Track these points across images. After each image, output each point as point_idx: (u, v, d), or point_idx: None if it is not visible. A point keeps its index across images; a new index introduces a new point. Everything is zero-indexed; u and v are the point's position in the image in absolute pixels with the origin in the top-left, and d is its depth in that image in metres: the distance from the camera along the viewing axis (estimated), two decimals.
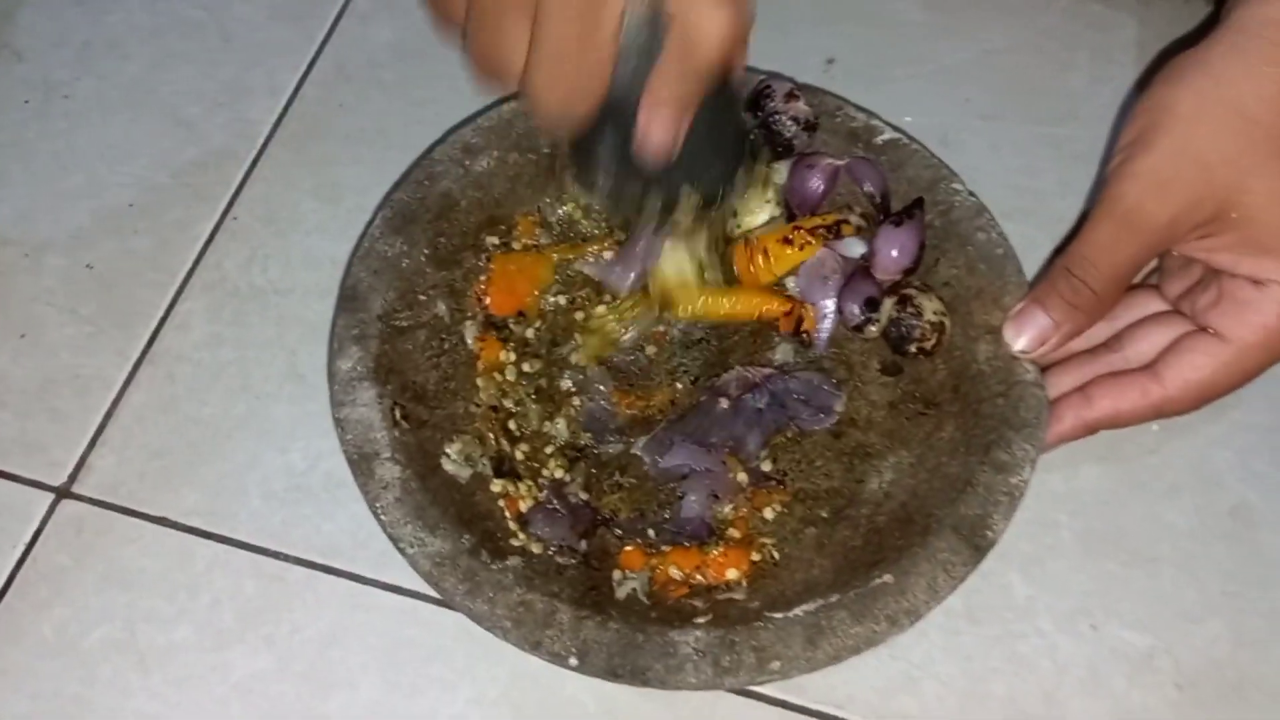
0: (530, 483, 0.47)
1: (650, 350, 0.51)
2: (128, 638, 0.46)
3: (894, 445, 0.47)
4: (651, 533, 0.46)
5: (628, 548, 0.46)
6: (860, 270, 0.49)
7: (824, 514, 0.46)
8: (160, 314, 0.54)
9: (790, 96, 0.51)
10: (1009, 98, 0.58)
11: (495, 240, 0.51)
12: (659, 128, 0.39)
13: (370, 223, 0.50)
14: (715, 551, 0.45)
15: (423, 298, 0.49)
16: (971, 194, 0.49)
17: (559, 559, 0.45)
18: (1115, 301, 0.45)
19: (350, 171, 0.57)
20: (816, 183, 0.49)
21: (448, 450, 0.46)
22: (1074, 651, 0.45)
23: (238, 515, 0.49)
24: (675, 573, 0.45)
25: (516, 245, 0.52)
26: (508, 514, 0.46)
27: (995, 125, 0.57)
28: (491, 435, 0.48)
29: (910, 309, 0.47)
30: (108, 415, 0.51)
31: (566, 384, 0.50)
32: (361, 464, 0.44)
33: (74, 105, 0.60)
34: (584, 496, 0.47)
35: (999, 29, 0.60)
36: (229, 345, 0.53)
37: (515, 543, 0.45)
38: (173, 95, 0.60)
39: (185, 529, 0.48)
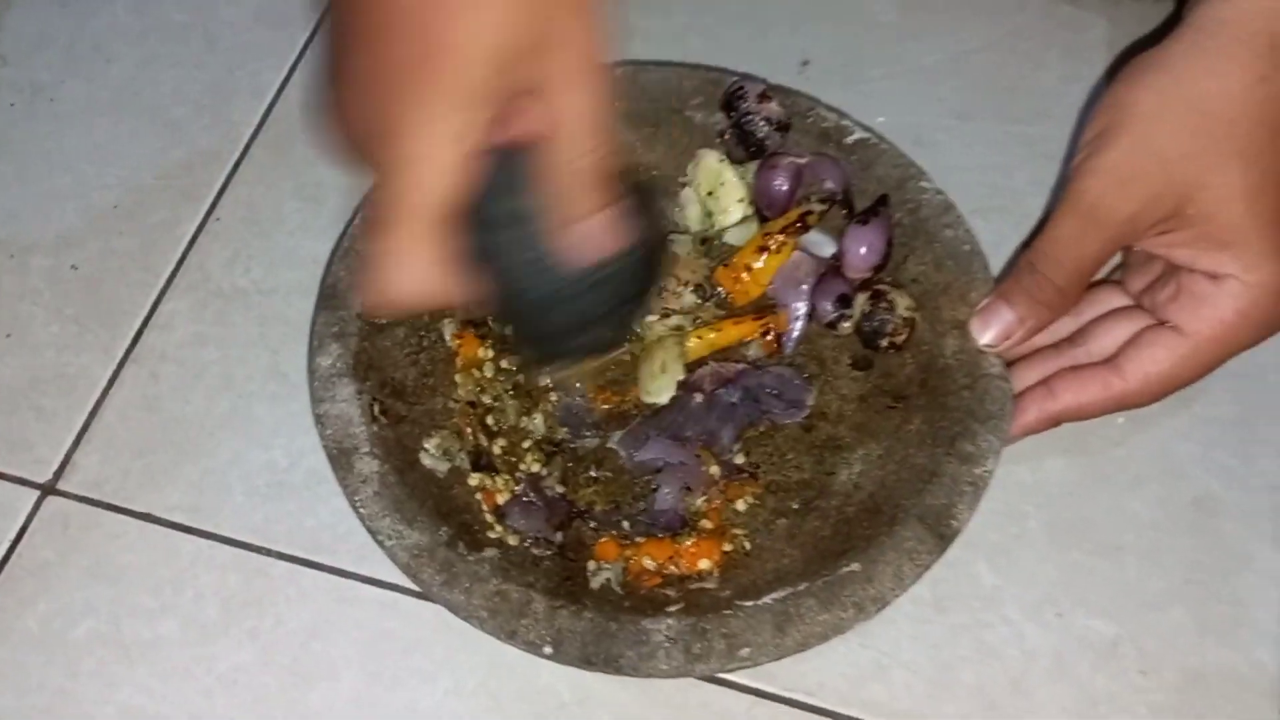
0: (507, 476, 0.47)
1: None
2: (113, 632, 0.47)
3: (863, 438, 0.48)
4: (626, 524, 0.47)
5: (602, 539, 0.46)
6: (831, 269, 0.50)
7: (795, 505, 0.47)
8: (144, 313, 0.54)
9: (763, 97, 0.52)
10: (982, 97, 0.59)
11: None
12: (593, 232, 0.36)
13: (350, 222, 0.51)
14: (688, 542, 0.46)
15: None
16: (940, 192, 0.50)
17: (535, 550, 0.45)
18: (1078, 296, 0.46)
19: (332, 172, 0.57)
20: (781, 182, 0.50)
21: (426, 445, 0.47)
22: (1040, 640, 0.46)
23: (221, 511, 0.49)
24: (649, 563, 0.45)
25: None
26: (485, 507, 0.47)
27: (968, 124, 0.58)
28: (469, 430, 0.48)
29: (884, 304, 0.48)
30: (92, 413, 0.52)
31: (543, 380, 0.50)
32: (341, 459, 0.45)
33: (59, 107, 0.60)
34: (560, 490, 0.48)
35: (972, 29, 0.61)
36: (212, 344, 0.53)
37: (492, 535, 0.46)
38: (157, 97, 0.61)
39: (169, 525, 0.49)
